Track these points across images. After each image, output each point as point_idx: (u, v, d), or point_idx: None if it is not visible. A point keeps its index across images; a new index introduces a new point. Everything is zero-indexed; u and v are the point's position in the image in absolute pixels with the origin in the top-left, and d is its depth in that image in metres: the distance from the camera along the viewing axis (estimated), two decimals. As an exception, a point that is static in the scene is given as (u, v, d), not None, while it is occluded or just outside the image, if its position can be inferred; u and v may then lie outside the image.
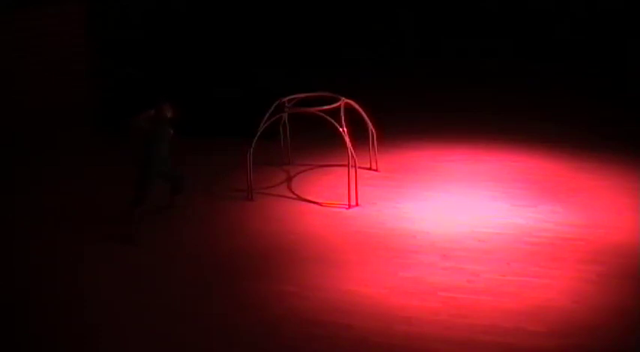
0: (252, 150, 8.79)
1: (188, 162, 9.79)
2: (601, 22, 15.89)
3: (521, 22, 16.59)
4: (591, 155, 10.31)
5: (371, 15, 16.56)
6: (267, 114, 9.00)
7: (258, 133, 8.82)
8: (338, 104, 9.04)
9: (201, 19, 11.35)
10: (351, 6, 16.13)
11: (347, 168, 8.60)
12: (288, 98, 9.26)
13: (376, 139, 9.66)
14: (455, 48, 16.52)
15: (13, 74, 11.08)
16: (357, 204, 8.60)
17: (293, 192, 9.08)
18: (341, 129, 8.71)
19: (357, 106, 9.35)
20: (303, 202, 8.77)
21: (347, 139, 8.65)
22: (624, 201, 8.65)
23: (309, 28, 13.84)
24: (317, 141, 10.56)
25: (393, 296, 6.56)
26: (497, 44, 16.49)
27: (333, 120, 8.62)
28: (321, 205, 8.67)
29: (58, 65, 11.52)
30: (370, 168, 9.72)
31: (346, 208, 8.55)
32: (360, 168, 8.93)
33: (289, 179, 9.49)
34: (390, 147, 10.44)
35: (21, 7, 11.03)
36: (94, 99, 11.76)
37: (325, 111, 8.76)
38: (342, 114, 9.09)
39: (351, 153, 8.60)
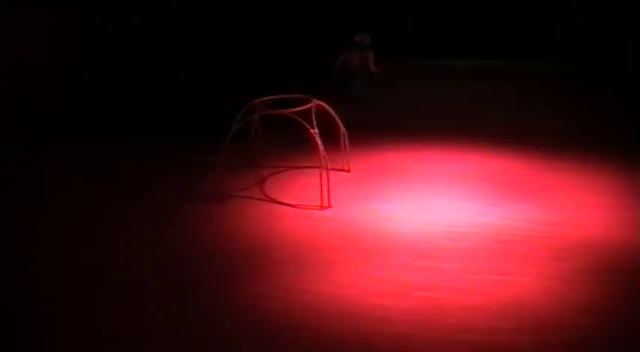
0: (224, 152, 8.79)
1: (160, 165, 9.78)
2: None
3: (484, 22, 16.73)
4: (561, 154, 10.46)
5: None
6: (239, 117, 9.01)
7: (230, 135, 8.82)
8: (309, 105, 9.06)
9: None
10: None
11: (319, 170, 8.63)
12: (260, 100, 9.27)
13: (348, 140, 9.70)
14: (427, 48, 16.66)
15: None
16: (329, 206, 8.63)
17: (266, 195, 9.09)
18: (312, 131, 8.74)
19: (328, 107, 9.39)
20: (276, 204, 8.79)
21: (318, 141, 8.68)
22: (592, 199, 8.78)
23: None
24: (289, 142, 10.59)
25: (368, 297, 6.59)
26: (469, 44, 16.63)
27: (304, 122, 8.64)
28: (294, 207, 8.69)
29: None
30: (342, 170, 9.76)
31: (319, 210, 8.57)
32: (332, 169, 8.97)
33: (262, 181, 9.50)
34: (362, 148, 10.49)
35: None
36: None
37: (297, 113, 8.78)
38: (313, 115, 9.11)
39: (323, 155, 8.63)
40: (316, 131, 8.79)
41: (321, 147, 8.64)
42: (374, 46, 13.55)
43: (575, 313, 6.28)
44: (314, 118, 9.10)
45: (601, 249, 7.48)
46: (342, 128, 9.58)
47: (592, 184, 9.30)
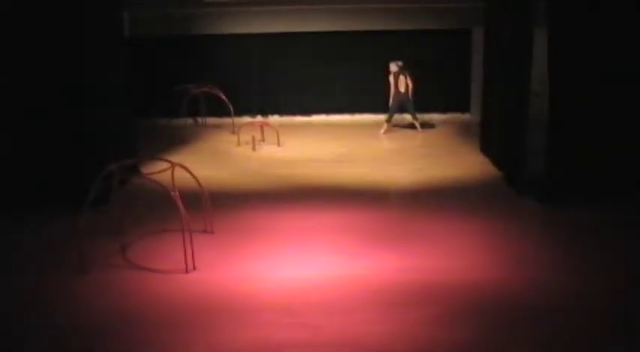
0: (83, 219, 8.48)
1: (14, 236, 9.37)
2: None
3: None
4: (425, 202, 10.80)
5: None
6: (97, 182, 8.75)
7: (89, 202, 8.53)
8: (167, 167, 8.96)
9: None
10: None
11: (182, 233, 8.49)
12: (116, 165, 9.06)
13: (209, 200, 9.60)
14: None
15: None
16: (194, 268, 8.47)
17: (129, 261, 8.83)
18: (173, 194, 8.61)
19: (187, 169, 9.29)
20: (140, 270, 8.54)
21: (179, 203, 8.55)
22: (455, 244, 9.06)
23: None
24: (150, 206, 10.36)
25: (239, 358, 6.47)
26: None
27: (163, 185, 8.52)
28: (158, 272, 8.47)
29: None
30: (206, 231, 9.63)
31: (184, 273, 8.40)
32: (195, 231, 8.82)
33: (124, 248, 9.20)
34: (224, 207, 10.42)
35: None
36: None
37: (156, 175, 8.64)
38: (172, 177, 9.00)
39: (185, 217, 8.50)
40: (177, 193, 8.66)
41: (182, 209, 8.51)
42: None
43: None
44: (173, 180, 8.98)
45: (464, 291, 7.69)
46: (205, 189, 9.49)
47: (453, 230, 9.60)
